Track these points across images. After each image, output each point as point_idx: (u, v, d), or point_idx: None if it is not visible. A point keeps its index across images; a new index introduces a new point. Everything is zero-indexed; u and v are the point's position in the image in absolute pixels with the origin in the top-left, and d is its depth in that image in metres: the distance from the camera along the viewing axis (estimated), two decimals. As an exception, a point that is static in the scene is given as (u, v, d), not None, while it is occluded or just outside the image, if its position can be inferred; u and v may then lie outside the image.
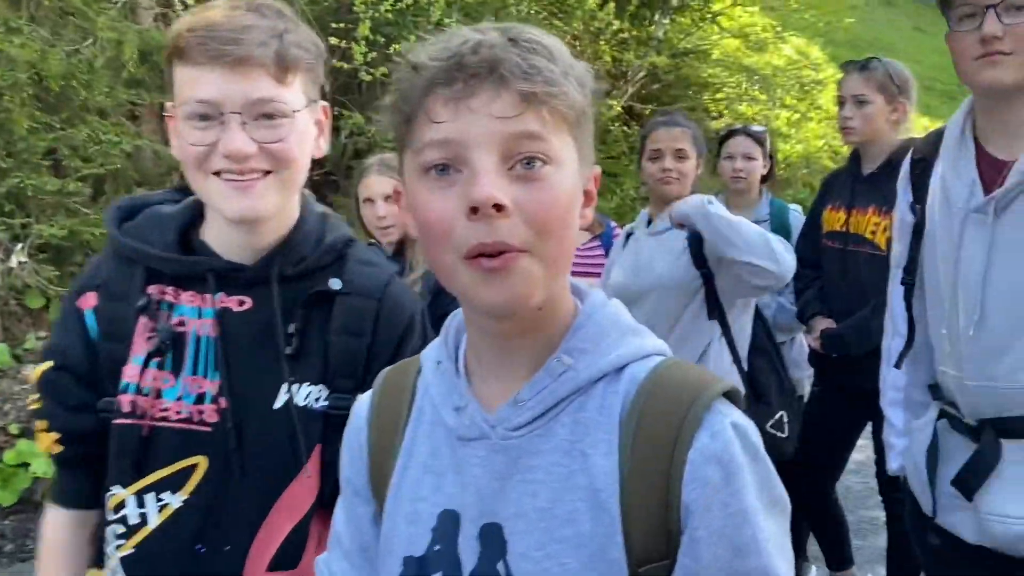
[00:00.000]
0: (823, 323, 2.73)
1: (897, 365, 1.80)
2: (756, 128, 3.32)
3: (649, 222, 2.57)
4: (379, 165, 2.64)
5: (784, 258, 2.21)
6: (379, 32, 5.91)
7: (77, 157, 5.56)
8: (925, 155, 1.72)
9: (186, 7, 6.00)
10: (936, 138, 1.70)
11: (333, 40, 5.83)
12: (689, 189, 2.46)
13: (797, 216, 3.17)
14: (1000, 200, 1.50)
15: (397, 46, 5.89)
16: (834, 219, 2.78)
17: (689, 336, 2.33)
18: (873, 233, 2.62)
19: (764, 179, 3.32)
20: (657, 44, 8.06)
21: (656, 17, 8.29)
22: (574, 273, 2.54)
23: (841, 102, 2.79)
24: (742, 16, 9.53)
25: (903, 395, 1.83)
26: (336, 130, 6.48)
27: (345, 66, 6.00)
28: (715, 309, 2.34)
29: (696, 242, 2.33)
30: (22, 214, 5.50)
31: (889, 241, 2.53)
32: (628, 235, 2.62)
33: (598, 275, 3.00)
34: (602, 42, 7.96)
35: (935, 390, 1.72)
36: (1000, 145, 1.55)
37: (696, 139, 2.54)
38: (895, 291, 1.81)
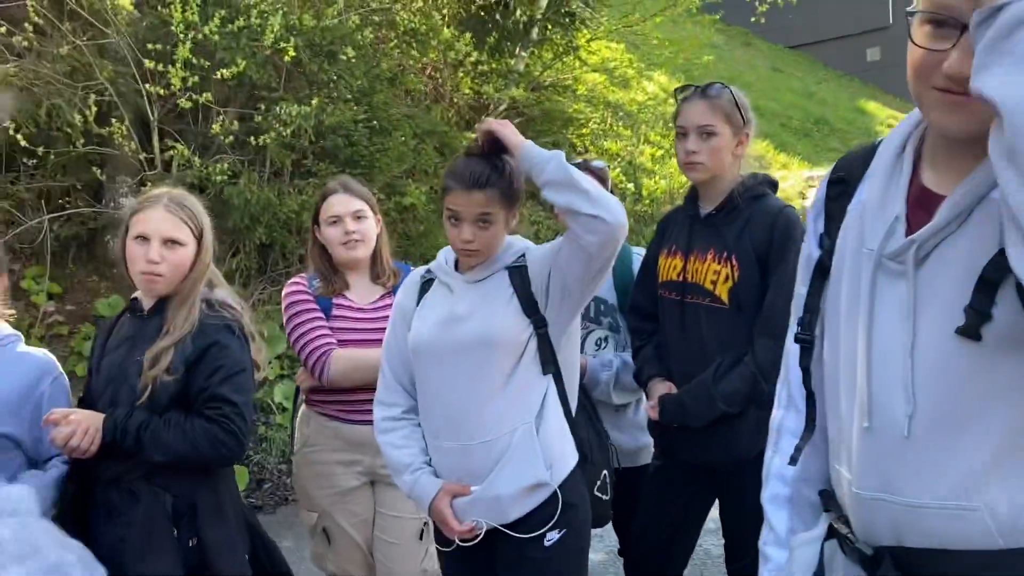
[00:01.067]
0: (661, 387, 2.39)
1: (793, 459, 1.38)
2: (596, 163, 2.94)
3: (456, 266, 2.20)
4: (342, 186, 2.71)
5: (617, 209, 1.88)
6: (202, 56, 5.39)
7: None
8: (847, 175, 1.33)
9: (15, 33, 5.33)
10: (865, 155, 1.32)
11: (149, 63, 5.28)
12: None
13: (641, 260, 2.84)
14: (922, 244, 1.13)
15: (225, 72, 5.39)
16: (670, 266, 2.45)
17: (522, 396, 2.01)
18: (713, 283, 2.32)
19: None
20: (517, 77, 7.86)
21: (516, 50, 8.10)
22: (358, 342, 2.58)
23: (682, 133, 2.43)
24: (603, 51, 9.49)
25: (790, 491, 1.40)
26: (167, 165, 5.89)
27: (163, 92, 5.45)
28: (550, 362, 2.04)
29: (523, 284, 2.04)
30: None
31: (731, 292, 2.26)
32: (425, 281, 2.22)
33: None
34: (461, 74, 7.69)
35: (826, 497, 1.33)
36: (942, 177, 1.17)
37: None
38: (790, 350, 1.41)
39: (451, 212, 2.03)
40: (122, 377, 2.02)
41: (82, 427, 1.92)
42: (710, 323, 2.31)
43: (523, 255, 2.11)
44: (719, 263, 2.30)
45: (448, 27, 7.27)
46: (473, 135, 7.46)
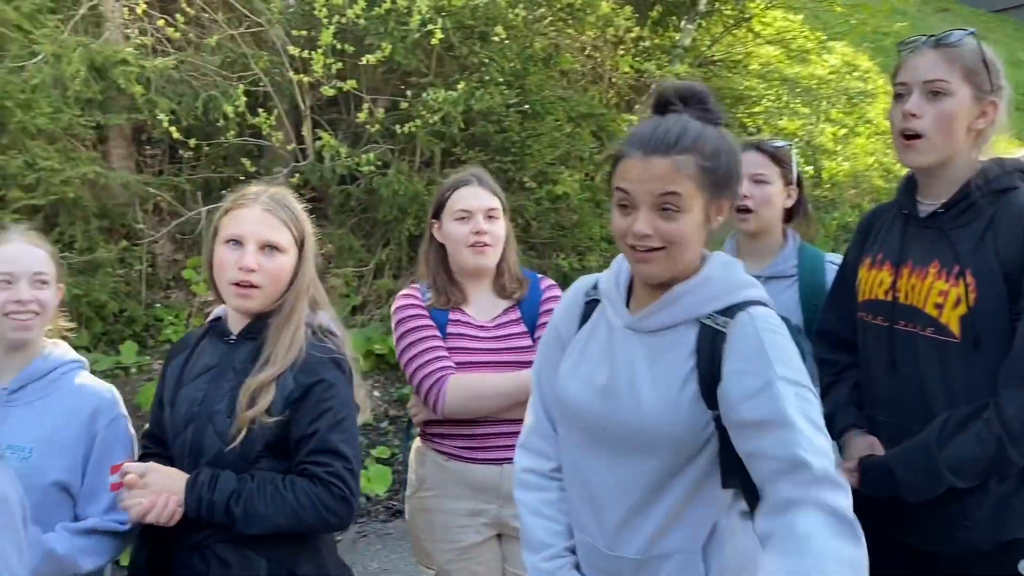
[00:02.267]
0: (861, 444, 1.78)
1: None
2: (774, 143, 2.36)
3: (629, 292, 1.54)
4: (477, 178, 2.30)
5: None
6: (349, 42, 5.21)
7: (18, 187, 4.95)
8: None
9: (173, 26, 5.40)
10: None
11: (294, 50, 5.16)
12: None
13: (835, 270, 2.25)
14: None
15: (371, 57, 5.19)
16: (875, 281, 1.84)
17: (687, 513, 1.45)
18: (938, 307, 1.72)
19: (789, 216, 2.44)
20: (683, 53, 7.26)
21: (682, 23, 7.49)
22: (478, 365, 2.23)
23: (901, 94, 1.77)
24: (779, 21, 8.67)
25: None
26: (319, 156, 5.79)
27: (308, 80, 5.31)
28: (734, 473, 1.42)
29: (711, 360, 1.40)
30: (-43, 250, 4.93)
31: (965, 320, 1.68)
32: (590, 301, 1.59)
33: (518, 363, 2.21)
34: (621, 51, 7.18)
35: None
36: None
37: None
38: None
39: (621, 193, 1.42)
40: (205, 417, 1.69)
41: (161, 500, 1.61)
42: (932, 361, 1.69)
43: (741, 309, 1.41)
44: (946, 280, 1.70)
45: (607, 1, 6.78)
46: (634, 117, 7.00)
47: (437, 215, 2.30)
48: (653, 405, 1.42)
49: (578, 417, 1.50)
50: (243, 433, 1.63)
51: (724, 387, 1.38)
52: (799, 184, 2.41)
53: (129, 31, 5.76)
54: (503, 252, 2.29)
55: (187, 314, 5.85)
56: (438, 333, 2.22)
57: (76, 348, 1.92)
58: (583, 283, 1.65)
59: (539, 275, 2.44)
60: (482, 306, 2.30)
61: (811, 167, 8.18)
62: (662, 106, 1.46)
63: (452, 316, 2.25)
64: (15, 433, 1.70)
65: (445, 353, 2.21)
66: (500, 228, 2.27)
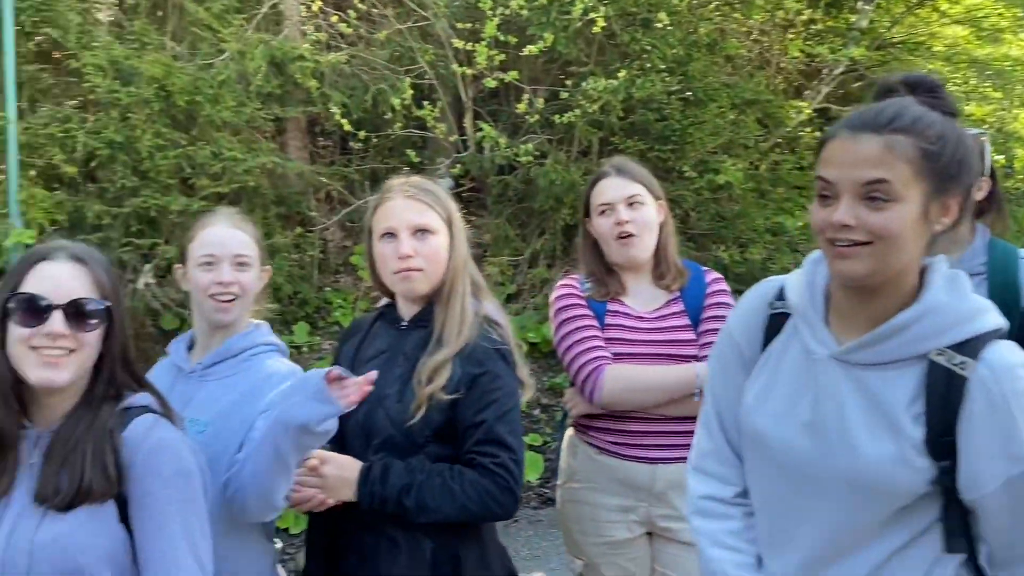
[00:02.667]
0: None
1: None
2: (968, 131, 2.18)
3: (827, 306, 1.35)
4: (616, 169, 2.28)
5: None
6: (512, 32, 5.25)
7: (205, 175, 5.34)
8: None
9: (346, 22, 5.66)
10: None
11: (458, 43, 5.26)
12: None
13: None
14: None
15: (533, 47, 5.21)
16: None
17: (892, 568, 1.28)
18: None
19: (980, 210, 2.22)
20: (859, 35, 6.83)
21: (858, 4, 7.05)
22: (637, 357, 2.17)
23: None
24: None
25: None
26: (479, 147, 5.90)
27: (470, 72, 5.40)
28: (959, 534, 1.25)
29: (944, 403, 1.21)
30: (153, 233, 5.38)
31: None
32: (775, 315, 1.40)
33: (679, 356, 2.15)
34: (791, 35, 6.86)
35: None
36: None
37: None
38: None
39: (822, 182, 1.25)
40: (376, 400, 1.70)
41: (333, 492, 1.67)
42: None
43: (980, 346, 1.21)
44: None
45: (777, -17, 6.49)
46: (803, 104, 6.66)
47: (588, 212, 2.29)
48: (870, 451, 1.24)
49: (774, 452, 1.34)
50: (422, 411, 1.65)
51: (966, 459, 1.20)
52: (992, 175, 2.20)
53: (305, 28, 6.08)
54: (660, 240, 2.24)
55: (354, 298, 6.13)
56: (596, 323, 2.20)
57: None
58: (765, 289, 1.44)
59: (703, 267, 2.37)
60: (642, 297, 2.25)
61: (1002, 155, 7.51)
62: (884, 95, 1.31)
63: (611, 307, 2.22)
64: (199, 407, 1.76)
65: (602, 343, 2.18)
66: (646, 214, 2.22)
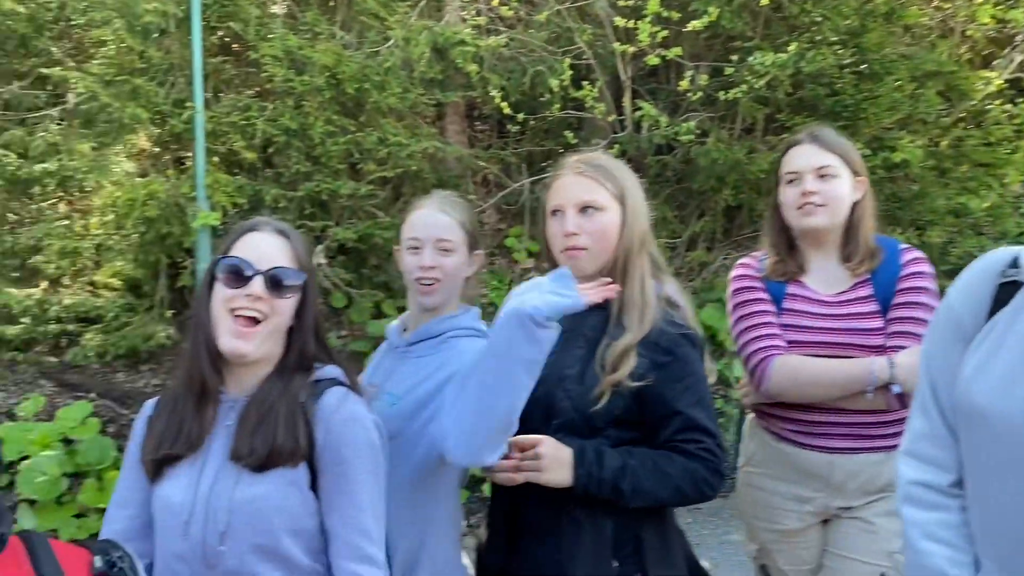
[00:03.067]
0: None
1: None
2: None
3: None
4: (810, 137, 2.12)
5: None
6: (674, 8, 5.11)
7: (372, 160, 5.54)
8: None
9: (506, 4, 5.72)
10: None
11: (619, 21, 5.17)
12: None
13: None
14: None
15: (697, 23, 5.05)
16: None
17: None
18: None
19: None
20: (1060, -4, 6.20)
21: (1061, -40, 6.38)
22: (814, 345, 2.06)
23: None
24: None
25: None
26: (637, 126, 5.81)
27: (632, 50, 5.30)
28: None
29: None
30: (324, 216, 5.64)
31: None
32: (1006, 283, 1.29)
33: (862, 346, 2.00)
34: (978, 1, 6.31)
35: None
36: None
37: None
38: None
39: None
40: (555, 380, 1.66)
41: (548, 472, 1.61)
42: None
43: None
44: None
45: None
46: (992, 74, 6.13)
47: (778, 180, 2.16)
48: None
49: (994, 429, 1.22)
50: (605, 398, 1.62)
51: None
52: None
53: (465, 13, 6.17)
54: (852, 216, 2.08)
55: (509, 280, 6.20)
56: (772, 307, 2.09)
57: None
58: (995, 258, 1.33)
59: (901, 244, 2.16)
60: (825, 277, 2.10)
61: None
62: None
63: (791, 289, 2.09)
64: (397, 381, 1.80)
65: (776, 330, 2.07)
66: (838, 187, 2.06)
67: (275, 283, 1.45)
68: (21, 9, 5.21)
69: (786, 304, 2.08)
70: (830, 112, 5.65)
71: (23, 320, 4.94)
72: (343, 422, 1.45)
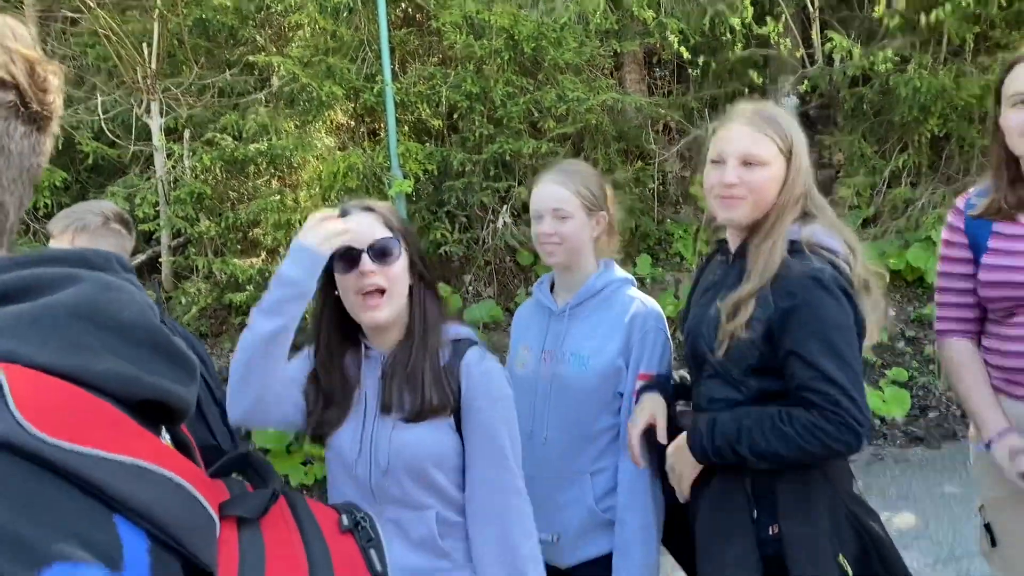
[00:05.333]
0: None
1: None
2: None
3: None
4: None
5: None
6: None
7: (551, 117, 5.61)
8: None
9: None
10: None
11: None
12: None
13: None
14: None
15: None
16: None
17: None
18: None
19: None
20: None
21: None
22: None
23: None
24: None
25: None
26: (828, 59, 5.49)
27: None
28: None
29: None
30: (508, 177, 5.79)
31: None
32: None
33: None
34: None
35: None
36: None
37: None
38: None
39: None
40: (698, 331, 1.72)
41: (682, 468, 1.71)
42: None
43: None
44: None
45: None
46: None
47: (998, 102, 1.92)
48: None
49: None
50: (725, 346, 1.63)
51: None
52: None
53: (639, -41, 6.04)
54: None
55: (695, 228, 6.09)
56: (967, 268, 1.94)
57: None
58: None
59: None
60: None
61: None
62: None
63: (999, 227, 1.91)
64: (576, 343, 1.92)
65: (958, 300, 1.98)
66: None
67: (380, 253, 1.58)
68: (228, 3, 5.68)
69: (992, 244, 1.91)
70: (1054, 23, 5.07)
71: (248, 287, 5.47)
72: (481, 376, 1.59)
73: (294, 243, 1.57)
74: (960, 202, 2.01)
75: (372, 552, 0.96)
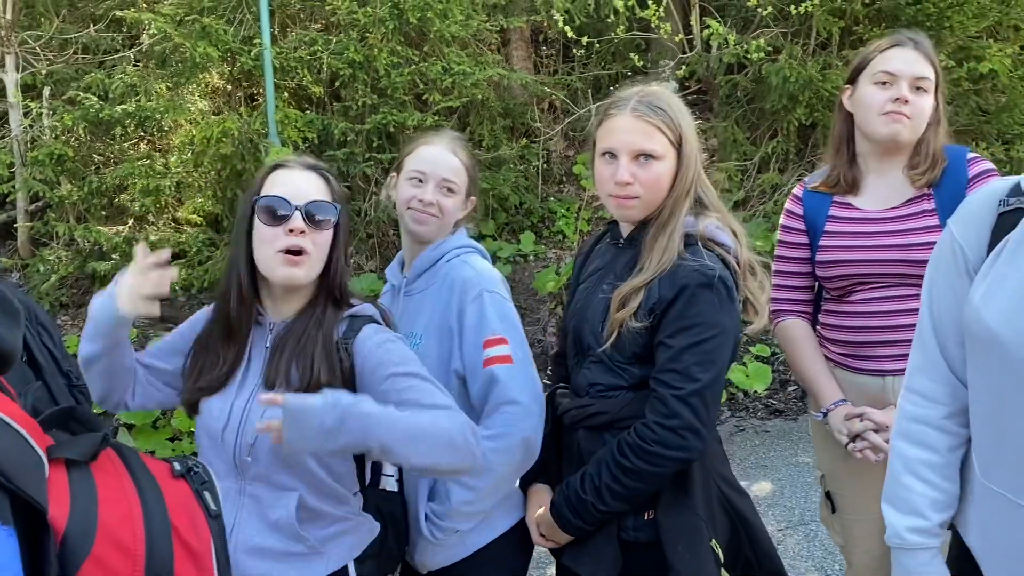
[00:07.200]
0: None
1: None
2: None
3: None
4: (912, 41, 1.98)
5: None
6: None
7: (437, 90, 5.56)
8: None
9: None
10: None
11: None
12: None
13: None
14: None
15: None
16: None
17: None
18: None
19: None
20: None
21: None
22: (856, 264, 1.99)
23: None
24: None
25: None
26: (706, 45, 5.64)
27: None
28: None
29: None
30: (392, 148, 5.71)
31: None
32: (1008, 212, 1.28)
33: (913, 262, 1.89)
34: None
35: None
36: None
37: None
38: None
39: None
40: (583, 318, 1.71)
41: (555, 538, 1.71)
42: None
43: None
44: None
45: None
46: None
47: (853, 79, 2.03)
48: None
49: (1008, 351, 1.20)
50: (614, 336, 1.62)
51: None
52: None
53: (527, -66, 6.04)
54: (924, 133, 1.96)
55: (577, 207, 6.20)
56: (803, 253, 2.05)
57: (482, 237, 2.01)
58: (993, 188, 1.32)
59: (968, 151, 2.01)
60: (877, 192, 2.00)
61: None
62: None
63: (833, 211, 2.01)
64: (409, 321, 1.79)
65: (794, 284, 2.11)
66: (927, 103, 1.95)
67: (312, 217, 1.50)
68: (93, -47, 5.34)
69: (828, 227, 2.02)
70: (912, 21, 5.38)
71: (113, 256, 5.21)
72: (377, 345, 1.50)
73: (118, 275, 1.51)
74: (798, 190, 2.12)
75: (206, 494, 0.96)
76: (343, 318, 1.55)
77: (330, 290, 1.57)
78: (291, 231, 1.49)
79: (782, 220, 2.15)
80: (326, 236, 1.54)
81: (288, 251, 1.49)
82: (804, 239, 2.08)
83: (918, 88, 1.94)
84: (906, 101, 1.92)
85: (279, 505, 1.50)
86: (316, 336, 1.51)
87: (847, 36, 5.61)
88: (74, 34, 5.64)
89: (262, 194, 1.54)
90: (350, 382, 1.49)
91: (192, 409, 1.60)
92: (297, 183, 1.53)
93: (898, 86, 1.93)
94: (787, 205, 2.13)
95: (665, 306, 1.58)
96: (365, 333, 1.53)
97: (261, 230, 1.52)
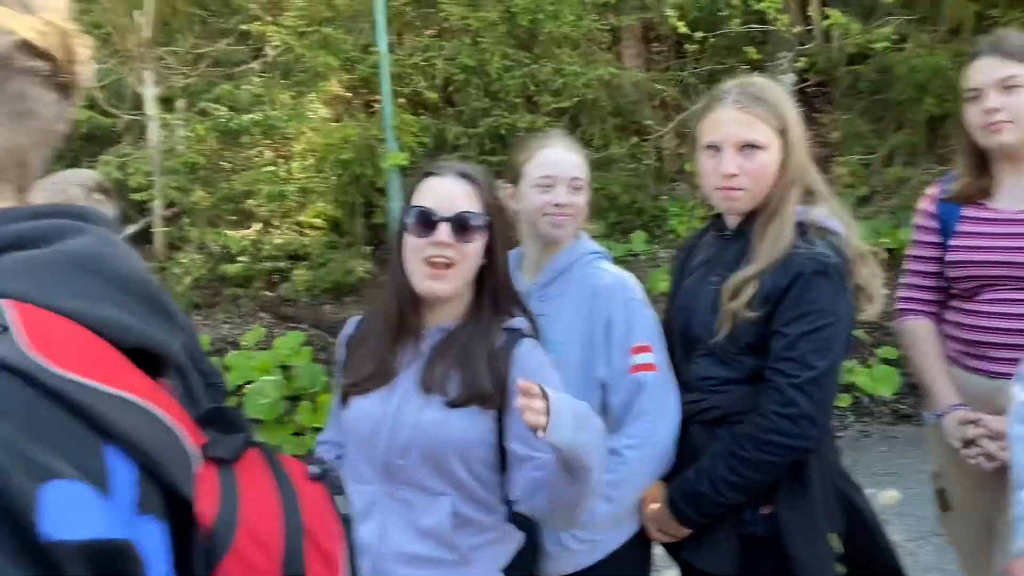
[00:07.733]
0: None
1: None
2: None
3: None
4: (992, 47, 1.94)
5: None
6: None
7: (547, 92, 5.58)
8: None
9: None
10: None
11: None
12: None
13: None
14: None
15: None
16: None
17: None
18: None
19: None
20: None
21: None
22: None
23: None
24: None
25: None
26: (826, 36, 5.46)
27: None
28: None
29: None
30: (503, 151, 5.77)
31: None
32: None
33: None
34: None
35: None
36: None
37: None
38: None
39: None
40: (692, 309, 1.69)
41: (669, 530, 1.68)
42: None
43: None
44: None
45: None
46: None
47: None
48: None
49: None
50: (726, 327, 1.60)
51: None
52: None
53: (639, -69, 5.98)
54: None
55: (691, 205, 6.09)
56: (935, 252, 2.00)
57: (593, 237, 1.99)
58: None
59: None
60: (1010, 193, 1.94)
61: None
62: None
63: (966, 212, 1.96)
64: (549, 327, 1.70)
65: (923, 283, 2.04)
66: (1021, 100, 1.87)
67: (461, 227, 1.47)
68: (222, -29, 5.63)
69: (959, 228, 1.97)
70: (1054, 3, 5.05)
71: (241, 259, 5.47)
72: (535, 369, 1.47)
73: None
74: (932, 190, 2.07)
75: (338, 498, 1.01)
76: (503, 330, 1.53)
77: (493, 298, 1.55)
78: (437, 244, 1.47)
79: (916, 219, 2.12)
80: (475, 246, 1.50)
81: (434, 263, 1.48)
82: (937, 238, 2.03)
83: (1007, 88, 1.88)
84: (996, 110, 1.87)
85: (431, 511, 1.48)
86: (481, 346, 1.50)
87: (982, 21, 5.29)
88: (205, 48, 5.96)
89: (412, 203, 1.53)
90: (502, 394, 1.48)
91: (344, 402, 1.61)
92: (445, 192, 1.51)
93: (984, 96, 1.89)
94: (921, 204, 2.09)
95: (779, 294, 1.56)
96: (525, 348, 1.51)
97: (409, 240, 1.51)
